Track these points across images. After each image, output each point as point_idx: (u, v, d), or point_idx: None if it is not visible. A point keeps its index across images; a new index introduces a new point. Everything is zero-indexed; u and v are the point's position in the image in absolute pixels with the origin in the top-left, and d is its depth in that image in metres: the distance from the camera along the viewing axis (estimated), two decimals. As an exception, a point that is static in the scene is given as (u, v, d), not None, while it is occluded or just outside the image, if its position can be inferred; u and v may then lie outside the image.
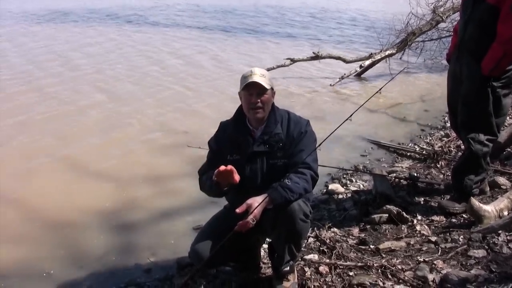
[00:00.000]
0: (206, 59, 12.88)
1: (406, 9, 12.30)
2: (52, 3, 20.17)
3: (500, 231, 4.09)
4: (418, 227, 4.54)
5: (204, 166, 3.71)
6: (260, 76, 3.44)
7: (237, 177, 3.35)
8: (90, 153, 7.10)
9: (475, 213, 4.38)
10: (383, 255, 4.08)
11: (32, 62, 12.24)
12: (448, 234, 4.35)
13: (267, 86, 3.44)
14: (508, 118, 6.05)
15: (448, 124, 7.80)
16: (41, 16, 18.03)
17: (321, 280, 3.75)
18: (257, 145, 3.51)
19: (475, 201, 4.41)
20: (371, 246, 4.26)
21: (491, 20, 4.29)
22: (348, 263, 3.94)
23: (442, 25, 12.47)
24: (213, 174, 3.37)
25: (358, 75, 11.66)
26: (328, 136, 3.50)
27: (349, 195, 5.76)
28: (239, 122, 3.62)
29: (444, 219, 4.71)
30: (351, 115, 3.68)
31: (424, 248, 4.15)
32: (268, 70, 9.93)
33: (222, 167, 3.28)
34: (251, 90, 3.44)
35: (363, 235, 4.56)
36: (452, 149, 6.76)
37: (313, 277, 3.80)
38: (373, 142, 7.74)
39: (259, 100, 3.45)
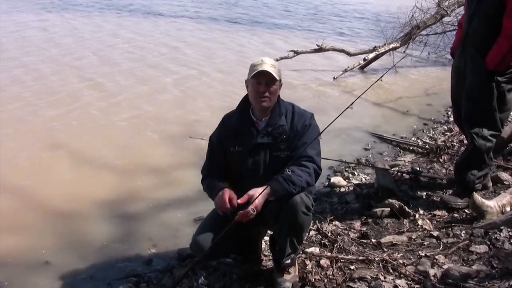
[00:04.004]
0: (209, 51, 12.82)
1: (410, 2, 12.23)
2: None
3: (502, 227, 4.08)
4: (420, 222, 4.53)
5: (205, 164, 3.75)
6: (270, 66, 3.43)
7: (234, 202, 3.39)
8: (91, 143, 7.10)
9: (478, 208, 4.37)
10: (385, 249, 4.08)
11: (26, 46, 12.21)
12: (450, 229, 4.34)
13: (277, 77, 3.43)
14: (512, 113, 6.04)
15: (451, 119, 7.78)
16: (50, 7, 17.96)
17: (322, 274, 3.74)
18: (260, 136, 3.50)
19: (477, 196, 4.40)
20: (373, 240, 4.26)
21: (497, 14, 4.26)
22: (349, 256, 3.94)
23: (446, 19, 12.40)
24: (214, 185, 3.52)
25: (362, 68, 11.62)
26: (329, 124, 3.49)
27: (351, 188, 5.75)
28: (243, 113, 3.61)
29: (446, 214, 4.69)
30: (351, 104, 3.68)
31: (425, 243, 4.14)
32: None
33: (224, 205, 3.36)
34: (261, 79, 3.42)
35: (364, 228, 4.55)
36: (455, 143, 6.75)
37: (314, 270, 3.79)
38: (376, 136, 7.73)
39: (267, 90, 3.43)
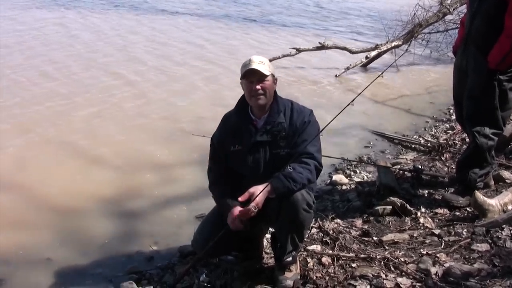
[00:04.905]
0: (212, 48, 12.82)
1: (413, 1, 12.23)
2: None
3: (504, 225, 4.08)
4: (421, 220, 4.53)
5: (210, 166, 3.76)
6: (259, 63, 3.42)
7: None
8: (93, 139, 7.10)
9: (479, 206, 4.37)
10: (386, 247, 4.07)
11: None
12: (451, 227, 4.34)
13: (267, 73, 3.42)
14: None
15: (453, 117, 7.77)
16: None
17: (324, 271, 3.74)
18: (259, 134, 3.50)
19: (479, 195, 4.40)
20: (374, 238, 4.25)
21: (499, 13, 4.26)
22: (350, 254, 3.93)
23: (449, 17, 12.41)
24: (224, 202, 3.50)
25: (364, 66, 11.61)
26: (330, 122, 3.49)
27: (353, 186, 5.75)
28: (242, 112, 3.61)
29: (448, 212, 4.69)
30: (352, 101, 3.67)
31: (427, 241, 4.14)
32: (274, 59, 9.93)
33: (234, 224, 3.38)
34: (251, 78, 3.43)
35: (366, 226, 4.55)
36: (457, 142, 6.75)
37: (315, 268, 3.79)
38: (378, 134, 7.72)
39: (259, 87, 3.42)
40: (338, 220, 4.71)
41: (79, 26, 14.74)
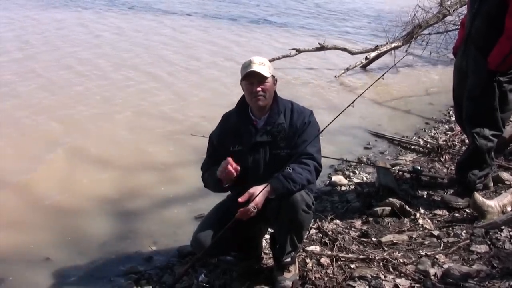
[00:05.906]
0: (209, 49, 12.81)
1: (413, 2, 12.23)
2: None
3: (503, 227, 4.08)
4: (420, 221, 4.53)
5: (205, 161, 3.76)
6: (259, 65, 3.43)
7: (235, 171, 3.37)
8: (92, 139, 7.09)
9: (478, 208, 4.37)
10: (385, 248, 4.08)
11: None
12: (450, 228, 4.34)
13: (267, 74, 3.42)
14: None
15: (453, 118, 7.75)
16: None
17: (323, 272, 3.74)
18: (260, 135, 3.50)
19: (478, 196, 4.40)
20: (373, 239, 4.25)
21: (499, 14, 4.25)
22: (349, 255, 3.93)
23: (448, 18, 12.40)
24: (215, 170, 3.44)
25: (364, 67, 11.60)
26: (330, 123, 3.50)
27: (352, 187, 5.74)
28: (242, 112, 3.61)
29: (447, 213, 4.69)
30: (353, 102, 3.67)
31: (426, 242, 4.14)
32: (273, 60, 9.92)
33: (228, 169, 3.32)
34: (252, 79, 3.43)
35: (365, 227, 4.55)
36: (456, 143, 6.73)
37: (314, 268, 3.79)
38: (377, 135, 7.72)
39: (260, 89, 3.43)
40: (337, 221, 4.71)
41: (101, 26, 14.80)
